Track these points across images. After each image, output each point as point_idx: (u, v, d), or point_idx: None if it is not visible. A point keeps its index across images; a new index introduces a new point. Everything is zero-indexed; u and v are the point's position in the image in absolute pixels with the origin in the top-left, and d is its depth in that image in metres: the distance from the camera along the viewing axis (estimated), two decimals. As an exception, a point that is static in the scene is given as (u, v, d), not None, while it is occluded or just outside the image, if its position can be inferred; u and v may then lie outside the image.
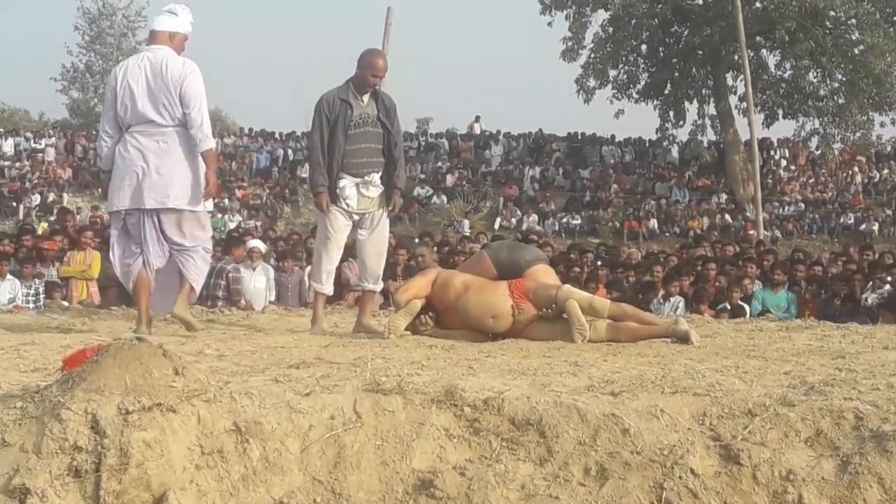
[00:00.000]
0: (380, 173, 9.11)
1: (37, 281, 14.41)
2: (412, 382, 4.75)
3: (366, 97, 9.07)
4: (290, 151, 46.93)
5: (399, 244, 18.04)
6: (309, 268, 13.04)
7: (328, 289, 9.32)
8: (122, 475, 3.88)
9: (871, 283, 14.51)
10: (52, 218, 32.72)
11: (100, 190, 40.91)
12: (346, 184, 8.98)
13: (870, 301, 13.92)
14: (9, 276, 14.33)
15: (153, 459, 3.93)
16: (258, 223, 33.66)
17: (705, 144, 45.96)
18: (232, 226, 31.40)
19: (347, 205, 8.99)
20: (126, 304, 12.15)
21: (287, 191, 42.65)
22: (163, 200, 8.30)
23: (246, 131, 51.11)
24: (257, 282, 14.74)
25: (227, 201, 37.11)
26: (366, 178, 9.02)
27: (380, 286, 9.59)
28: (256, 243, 15.59)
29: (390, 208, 9.22)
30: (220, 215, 33.70)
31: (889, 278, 14.56)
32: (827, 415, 4.47)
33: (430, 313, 8.30)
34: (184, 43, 8.60)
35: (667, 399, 4.66)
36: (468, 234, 30.09)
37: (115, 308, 11.48)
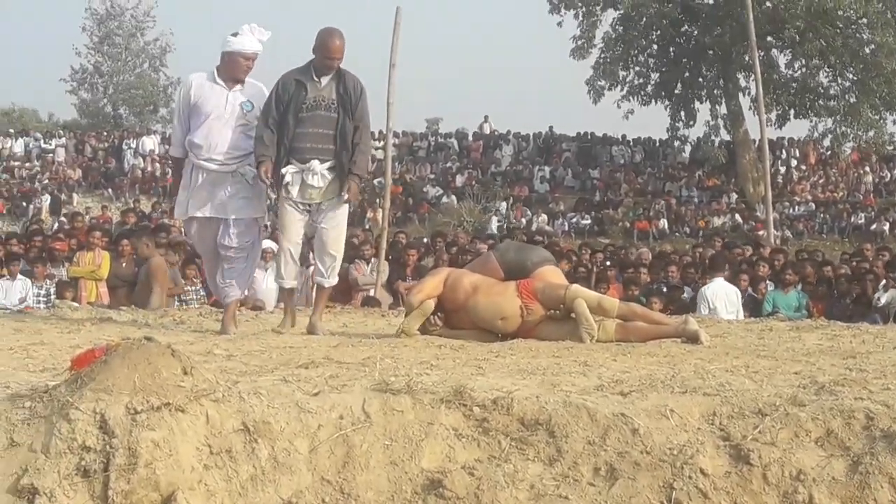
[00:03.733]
0: (327, 162, 8.57)
1: (48, 281, 14.43)
2: (421, 382, 4.74)
3: (325, 79, 8.57)
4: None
5: (409, 245, 18.04)
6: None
7: (290, 283, 8.93)
8: (130, 475, 3.88)
9: (883, 282, 14.43)
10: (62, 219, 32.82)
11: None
12: (290, 170, 8.52)
13: (882, 301, 13.85)
14: (19, 276, 14.36)
15: (162, 459, 3.93)
16: (268, 223, 33.60)
17: (717, 145, 45.90)
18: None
19: (288, 192, 8.54)
20: (136, 304, 12.16)
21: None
22: None
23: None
24: (269, 282, 14.71)
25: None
26: (309, 165, 8.51)
27: (334, 281, 9.07)
28: (269, 243, 15.56)
29: (345, 195, 8.62)
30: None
31: (902, 279, 14.48)
32: (837, 415, 4.46)
33: (440, 313, 8.27)
34: (238, 60, 8.76)
35: (677, 399, 4.65)
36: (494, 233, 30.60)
37: (125, 308, 11.48)
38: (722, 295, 13.58)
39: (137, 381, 4.08)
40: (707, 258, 16.56)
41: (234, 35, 8.75)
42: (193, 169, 8.72)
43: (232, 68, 8.75)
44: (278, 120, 8.49)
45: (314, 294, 9.31)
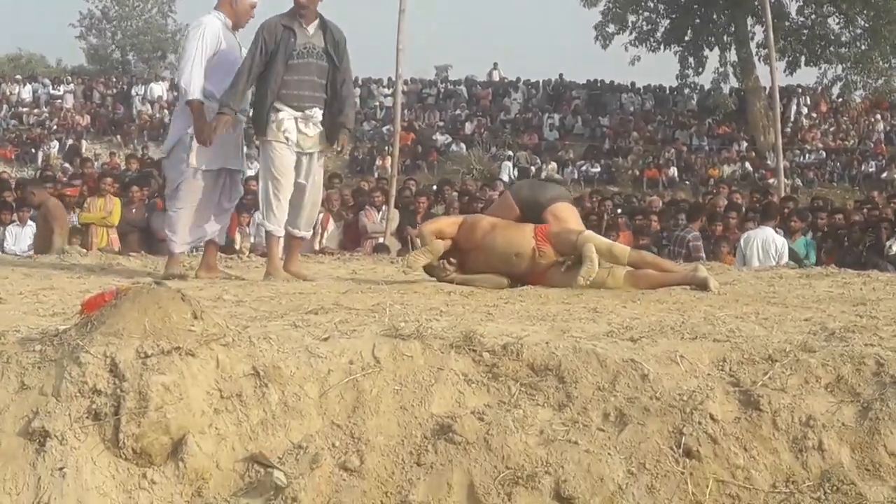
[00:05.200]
0: (321, 111, 8.58)
1: (58, 227, 14.44)
2: (431, 328, 4.74)
3: (312, 27, 8.49)
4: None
5: (419, 192, 18.03)
6: (322, 215, 12.74)
7: (283, 230, 8.71)
8: (141, 418, 3.90)
9: (896, 230, 14.35)
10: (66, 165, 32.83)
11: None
12: (285, 116, 8.43)
13: (894, 249, 13.77)
14: (29, 223, 14.38)
15: (172, 403, 3.94)
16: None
17: (727, 92, 45.69)
18: (250, 173, 31.26)
19: (286, 138, 8.43)
20: (145, 250, 12.19)
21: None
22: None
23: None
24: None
25: (245, 148, 37.07)
26: (306, 112, 8.48)
27: (311, 233, 9.22)
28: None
29: (338, 148, 8.74)
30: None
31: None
32: (848, 361, 4.45)
33: (452, 259, 8.25)
34: (242, 9, 8.63)
35: (686, 345, 4.65)
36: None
37: (135, 254, 11.51)
38: (756, 244, 13.21)
39: (148, 325, 4.10)
40: (762, 206, 16.31)
41: None
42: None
43: (242, 16, 8.66)
44: (262, 68, 8.36)
45: (289, 244, 8.99)
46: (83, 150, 39.00)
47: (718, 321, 5.40)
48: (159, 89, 47.56)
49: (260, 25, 8.38)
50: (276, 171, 8.48)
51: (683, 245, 13.17)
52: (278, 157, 8.47)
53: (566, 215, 8.38)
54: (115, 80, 52.82)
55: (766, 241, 13.26)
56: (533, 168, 38.83)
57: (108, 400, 3.94)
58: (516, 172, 37.32)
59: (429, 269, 8.20)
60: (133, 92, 47.65)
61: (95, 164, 29.24)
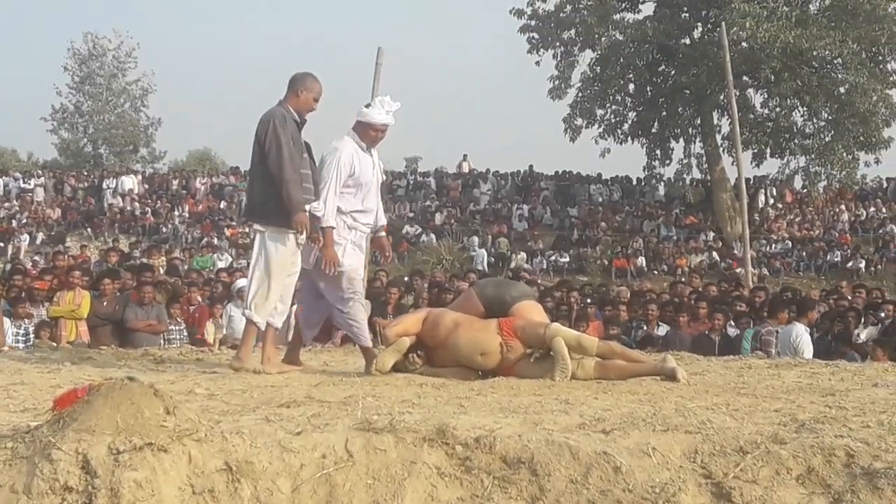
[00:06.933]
0: None
1: (27, 321, 14.36)
2: (403, 421, 4.75)
3: None
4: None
5: (390, 283, 18.06)
6: (297, 305, 12.79)
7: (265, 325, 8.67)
8: (113, 515, 3.87)
9: (863, 320, 14.49)
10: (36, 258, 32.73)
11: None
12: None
13: (863, 337, 13.87)
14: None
15: (144, 499, 3.92)
16: (248, 262, 33.56)
17: (691, 183, 46.18)
18: (221, 265, 31.33)
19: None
20: (116, 343, 12.12)
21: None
22: None
23: (235, 170, 51.05)
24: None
25: (216, 240, 37.17)
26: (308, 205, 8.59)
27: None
28: (244, 282, 15.58)
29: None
30: (210, 254, 33.87)
31: (883, 315, 14.55)
32: (818, 452, 4.48)
33: (420, 352, 8.28)
34: (368, 130, 8.87)
35: (658, 437, 4.66)
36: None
37: (105, 347, 11.44)
38: (801, 340, 12.91)
39: (120, 421, 4.09)
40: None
41: (367, 106, 8.90)
42: (350, 232, 8.83)
43: (363, 136, 8.86)
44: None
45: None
46: (67, 244, 38.83)
47: (689, 412, 5.43)
48: (130, 182, 47.72)
49: (275, 117, 8.39)
50: (284, 264, 8.51)
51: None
52: (292, 253, 8.54)
53: (532, 314, 8.42)
54: (86, 173, 52.88)
55: (790, 338, 12.88)
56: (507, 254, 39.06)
57: (79, 497, 3.92)
58: (488, 262, 37.50)
59: (398, 365, 8.22)
60: (104, 185, 47.71)
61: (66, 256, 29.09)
